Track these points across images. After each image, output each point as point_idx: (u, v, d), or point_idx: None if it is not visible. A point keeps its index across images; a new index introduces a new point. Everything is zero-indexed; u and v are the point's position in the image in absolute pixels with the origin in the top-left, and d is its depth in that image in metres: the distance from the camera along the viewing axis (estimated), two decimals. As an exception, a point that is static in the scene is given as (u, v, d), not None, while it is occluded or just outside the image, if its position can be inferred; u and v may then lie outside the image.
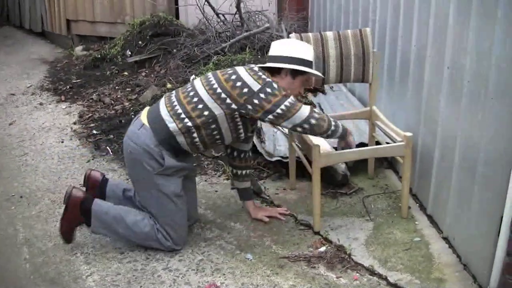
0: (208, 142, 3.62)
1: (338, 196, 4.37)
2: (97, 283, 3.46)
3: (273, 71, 3.61)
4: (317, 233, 3.89)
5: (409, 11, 4.22)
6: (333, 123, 3.58)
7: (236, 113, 3.50)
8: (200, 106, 3.50)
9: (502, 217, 2.93)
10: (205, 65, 6.46)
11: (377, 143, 4.37)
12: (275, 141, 4.80)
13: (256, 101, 3.43)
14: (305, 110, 3.48)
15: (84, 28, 9.29)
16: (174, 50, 7.17)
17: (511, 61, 2.82)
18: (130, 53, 7.55)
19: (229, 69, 3.63)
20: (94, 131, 5.81)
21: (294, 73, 3.62)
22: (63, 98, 6.98)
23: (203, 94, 3.53)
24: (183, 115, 3.51)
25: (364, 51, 4.16)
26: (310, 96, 5.64)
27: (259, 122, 4.97)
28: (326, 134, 3.58)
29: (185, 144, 3.57)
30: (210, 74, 3.65)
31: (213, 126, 3.54)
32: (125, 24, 8.38)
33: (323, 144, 4.32)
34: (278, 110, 3.43)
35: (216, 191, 4.54)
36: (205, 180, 4.72)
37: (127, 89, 6.79)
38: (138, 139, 3.57)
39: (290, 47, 3.64)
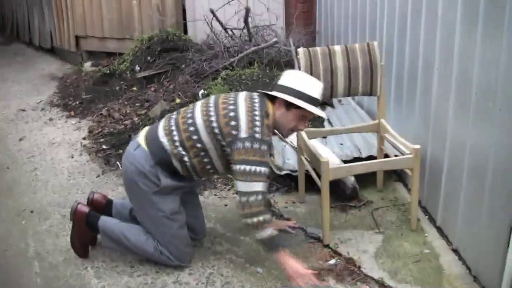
0: (199, 171, 3.57)
1: (347, 209, 4.37)
2: (108, 297, 3.48)
3: (273, 99, 3.53)
4: (327, 246, 3.90)
5: (416, 23, 4.23)
6: (258, 220, 3.34)
7: (226, 148, 3.46)
8: (195, 137, 3.48)
9: (511, 228, 2.94)
10: (213, 79, 6.48)
11: (386, 156, 4.37)
12: (284, 155, 4.81)
13: (237, 145, 3.35)
14: (258, 187, 3.32)
15: (93, 44, 9.33)
16: (183, 65, 7.20)
17: (518, 73, 2.85)
18: (139, 68, 7.59)
19: (232, 98, 3.53)
20: (104, 146, 5.84)
21: (288, 104, 3.46)
22: (72, 113, 7.02)
23: (199, 124, 3.49)
24: (177, 143, 3.51)
25: (372, 64, 4.17)
26: (318, 109, 5.66)
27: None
28: (245, 219, 3.37)
29: (180, 168, 3.57)
30: (211, 102, 3.57)
31: (204, 157, 3.51)
32: (133, 40, 8.42)
33: (332, 158, 4.34)
34: (245, 167, 3.32)
35: (226, 205, 4.55)
36: (215, 194, 4.73)
37: (136, 104, 6.82)
38: (134, 159, 3.59)
39: (295, 78, 3.52)
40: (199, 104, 3.62)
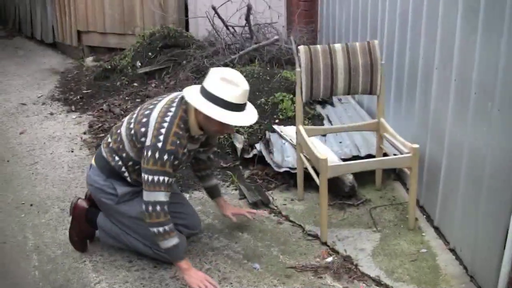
0: (138, 178, 3.53)
1: (346, 207, 4.39)
2: (105, 290, 3.50)
3: None
4: (324, 243, 3.91)
5: (416, 24, 4.24)
6: (163, 229, 3.35)
7: None
8: (121, 146, 3.55)
9: (508, 230, 2.95)
10: (214, 76, 6.48)
11: (385, 154, 4.39)
12: (284, 152, 4.82)
13: (143, 153, 3.35)
14: (159, 196, 3.33)
15: (94, 39, 9.34)
16: (184, 62, 7.19)
17: (517, 74, 2.86)
18: (140, 64, 7.58)
19: (154, 103, 3.52)
20: (104, 141, 5.85)
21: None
22: (73, 108, 7.02)
23: (123, 131, 3.57)
24: (114, 153, 3.60)
25: (372, 63, 4.18)
26: (318, 108, 5.66)
27: (267, 134, 5.00)
28: (151, 228, 3.37)
29: (125, 176, 3.61)
30: (139, 108, 3.63)
31: (134, 165, 3.55)
32: (135, 36, 8.41)
33: (331, 156, 4.35)
34: (147, 176, 3.31)
35: (225, 201, 4.54)
36: (214, 190, 4.74)
37: (137, 100, 6.82)
38: (90, 179, 3.71)
39: (215, 80, 3.32)
40: (132, 112, 3.68)
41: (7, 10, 12.35)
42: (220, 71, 3.40)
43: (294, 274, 3.60)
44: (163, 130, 3.30)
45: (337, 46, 4.22)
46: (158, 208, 3.32)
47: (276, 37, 6.94)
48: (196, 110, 3.35)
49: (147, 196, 3.33)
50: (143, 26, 8.66)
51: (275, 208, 4.41)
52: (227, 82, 3.29)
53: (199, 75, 6.75)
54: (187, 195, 4.62)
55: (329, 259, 3.74)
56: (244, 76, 5.83)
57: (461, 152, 3.51)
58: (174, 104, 3.43)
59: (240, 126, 5.02)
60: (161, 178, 3.30)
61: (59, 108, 7.09)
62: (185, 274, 3.42)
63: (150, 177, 3.30)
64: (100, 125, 6.29)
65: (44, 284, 3.58)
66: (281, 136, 5.03)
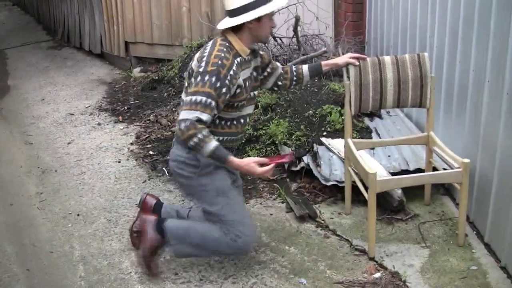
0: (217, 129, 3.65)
1: (394, 222, 4.32)
2: (151, 303, 3.49)
3: (237, 28, 3.54)
4: (372, 259, 3.86)
5: (467, 35, 4.17)
6: (198, 139, 3.33)
7: None
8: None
9: None
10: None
11: (434, 169, 4.32)
12: (331, 165, 4.78)
13: (191, 83, 3.48)
14: (188, 114, 3.34)
15: (142, 50, 9.41)
16: (231, 73, 7.20)
17: None
18: (187, 75, 7.61)
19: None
20: (151, 152, 5.87)
21: (251, 21, 3.49)
22: (120, 118, 7.07)
23: (183, 96, 3.64)
24: None
25: (422, 76, 4.12)
26: (366, 120, 5.61)
27: (315, 146, 4.97)
28: (188, 143, 3.37)
29: None
30: None
31: None
32: (182, 47, 8.46)
33: (380, 170, 4.30)
34: (185, 99, 3.45)
35: (271, 214, 4.53)
36: (260, 203, 4.72)
37: (184, 111, 6.84)
38: (173, 155, 3.70)
39: None
40: None
41: (56, 21, 12.54)
42: None
43: (341, 289, 3.55)
44: (204, 58, 3.46)
45: (387, 59, 4.17)
46: (183, 125, 3.33)
47: (324, 48, 6.90)
48: (237, 33, 3.55)
49: (180, 115, 3.40)
50: (191, 37, 8.69)
51: (322, 222, 4.37)
52: None
53: (246, 86, 6.74)
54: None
55: (377, 275, 3.68)
56: (292, 88, 5.88)
57: (514, 168, 3.43)
58: (209, 43, 3.60)
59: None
60: (198, 98, 3.37)
61: (107, 118, 7.15)
62: (243, 169, 3.49)
63: (188, 98, 3.41)
64: (147, 135, 6.33)
65: (90, 295, 3.60)
66: (328, 149, 4.99)
